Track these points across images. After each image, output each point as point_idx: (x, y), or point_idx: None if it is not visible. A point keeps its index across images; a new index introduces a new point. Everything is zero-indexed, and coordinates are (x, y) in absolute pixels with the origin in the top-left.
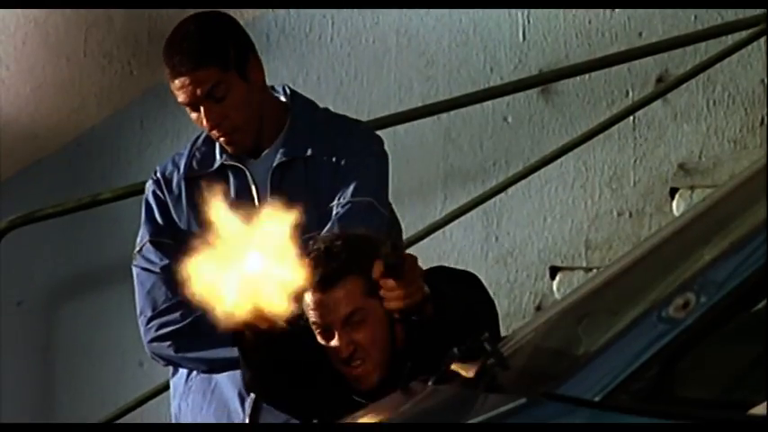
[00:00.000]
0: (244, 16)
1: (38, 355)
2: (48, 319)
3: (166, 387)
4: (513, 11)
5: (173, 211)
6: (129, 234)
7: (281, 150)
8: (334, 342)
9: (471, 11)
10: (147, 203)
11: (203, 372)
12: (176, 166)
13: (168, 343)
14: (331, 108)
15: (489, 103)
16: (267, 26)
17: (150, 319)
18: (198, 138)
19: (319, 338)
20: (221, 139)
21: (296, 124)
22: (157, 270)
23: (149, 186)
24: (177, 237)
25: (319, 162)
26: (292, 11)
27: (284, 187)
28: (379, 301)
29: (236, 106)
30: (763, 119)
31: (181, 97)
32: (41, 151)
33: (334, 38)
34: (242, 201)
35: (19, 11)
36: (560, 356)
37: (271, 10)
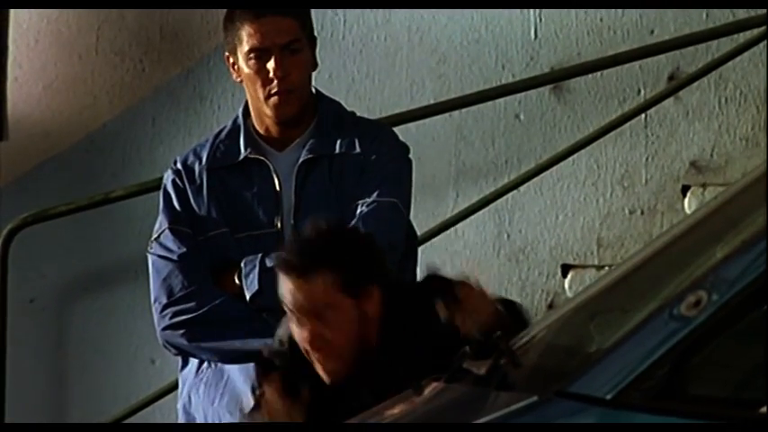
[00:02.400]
0: None
1: (50, 352)
2: (60, 316)
3: (178, 385)
4: (526, 8)
5: (192, 201)
6: (142, 231)
7: (307, 147)
8: (303, 329)
9: (483, 9)
10: (166, 192)
11: (216, 362)
12: (198, 157)
13: (182, 331)
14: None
15: (501, 100)
16: None
17: (165, 307)
18: (221, 131)
19: (290, 323)
20: (275, 97)
21: (322, 122)
22: (175, 258)
23: (168, 176)
24: (195, 226)
25: (345, 161)
26: None
27: (308, 184)
28: (353, 300)
29: (302, 67)
30: None
31: (256, 40)
32: (54, 149)
33: (346, 36)
34: (264, 194)
35: (31, 9)
36: (572, 354)
37: None
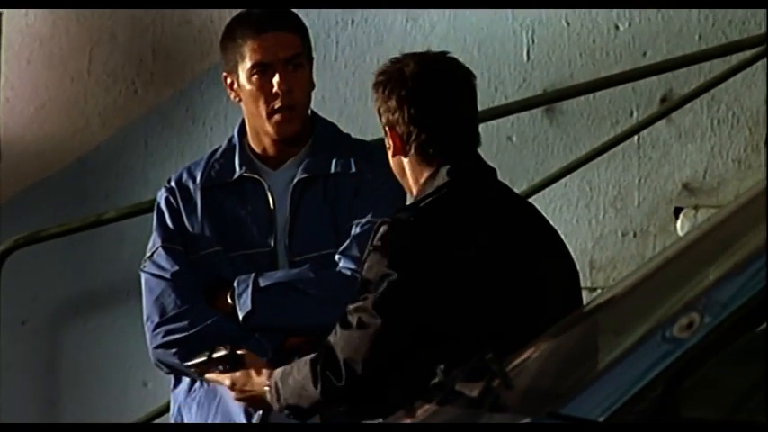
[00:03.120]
0: None
1: (42, 374)
2: (52, 338)
3: (170, 406)
4: (518, 30)
5: (185, 220)
6: (134, 253)
7: (302, 166)
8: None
9: (476, 30)
10: (159, 210)
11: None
12: (192, 175)
13: (174, 350)
14: None
15: (494, 122)
16: None
17: (157, 326)
18: (216, 150)
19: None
20: (278, 114)
21: (318, 141)
22: (168, 276)
23: (162, 194)
24: (188, 244)
25: (340, 181)
26: None
27: (303, 203)
28: None
29: (304, 83)
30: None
31: (260, 54)
32: (46, 170)
33: (339, 57)
34: (258, 213)
35: (24, 30)
36: (564, 376)
37: None
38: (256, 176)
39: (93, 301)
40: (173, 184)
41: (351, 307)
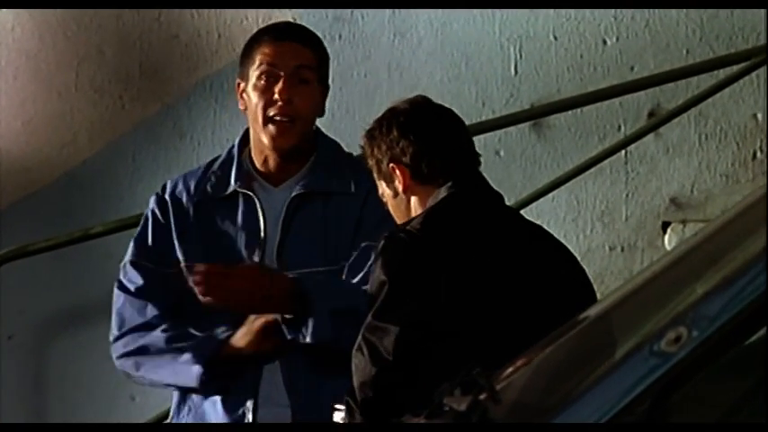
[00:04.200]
0: (236, 50)
1: (29, 389)
2: (39, 353)
3: (158, 421)
4: (506, 45)
5: (173, 233)
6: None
7: (301, 182)
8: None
9: (463, 45)
10: (145, 220)
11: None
12: (187, 187)
13: (131, 361)
14: None
15: (481, 136)
16: None
17: (116, 339)
18: (214, 161)
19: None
20: (274, 125)
21: (319, 159)
22: (132, 290)
23: (152, 203)
24: (166, 258)
25: (339, 201)
26: None
27: (297, 220)
28: None
29: (308, 98)
30: (755, 153)
31: (269, 59)
32: (33, 185)
33: None
34: (248, 229)
35: (10, 44)
36: (552, 390)
37: None
38: (249, 192)
39: (80, 315)
40: (166, 195)
41: (363, 329)
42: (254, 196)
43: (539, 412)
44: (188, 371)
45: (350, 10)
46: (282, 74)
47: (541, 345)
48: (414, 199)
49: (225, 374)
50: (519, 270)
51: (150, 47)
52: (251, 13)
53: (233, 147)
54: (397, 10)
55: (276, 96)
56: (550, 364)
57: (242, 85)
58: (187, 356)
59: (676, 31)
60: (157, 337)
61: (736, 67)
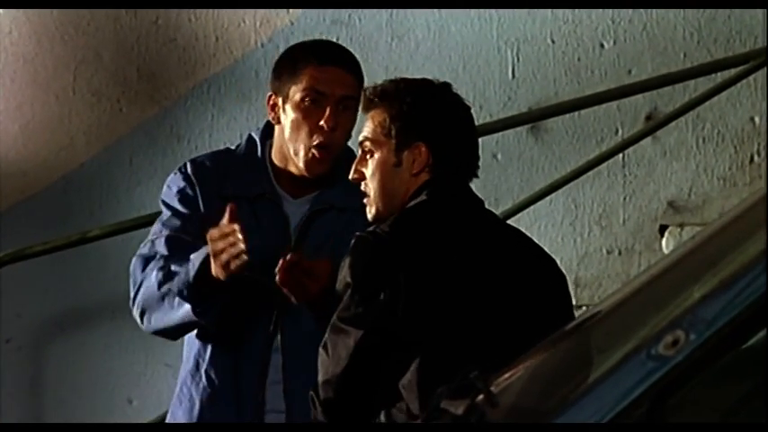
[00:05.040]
0: (233, 53)
1: (27, 392)
2: (37, 356)
3: (156, 424)
4: (503, 48)
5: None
6: (118, 271)
7: (321, 197)
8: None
9: (461, 48)
10: (175, 195)
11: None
12: (213, 174)
13: (144, 318)
14: None
15: (479, 140)
16: (256, 63)
17: (132, 302)
18: (234, 152)
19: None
20: (315, 150)
21: (339, 175)
22: (156, 256)
23: (178, 181)
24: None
25: (351, 214)
26: (281, 48)
27: (309, 236)
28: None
29: (349, 126)
30: (752, 156)
31: (319, 83)
32: (30, 189)
33: None
34: (271, 236)
35: (8, 48)
36: (550, 394)
37: (260, 46)
38: (274, 199)
39: (77, 318)
40: (191, 174)
41: (329, 326)
42: (279, 205)
43: (536, 416)
44: (184, 311)
45: (348, 13)
46: (329, 100)
47: (539, 348)
48: (410, 183)
49: (214, 301)
50: (487, 278)
51: (148, 50)
52: (249, 16)
53: (253, 141)
54: (394, 13)
55: (322, 123)
56: (547, 367)
57: (278, 99)
58: (175, 298)
59: (674, 35)
60: (152, 284)
61: (733, 71)
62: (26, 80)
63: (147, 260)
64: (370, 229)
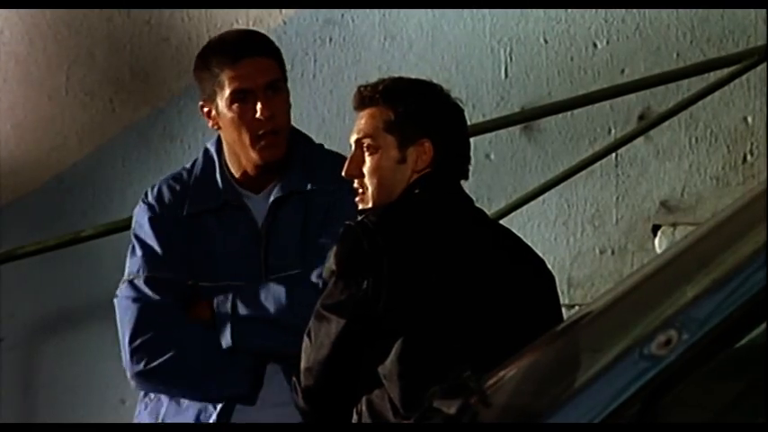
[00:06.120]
0: None
1: (19, 392)
2: (29, 356)
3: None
4: (496, 48)
5: (171, 244)
6: (111, 271)
7: (279, 185)
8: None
9: (453, 48)
10: (146, 229)
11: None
12: (173, 196)
13: (156, 377)
14: None
15: (471, 140)
16: None
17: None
18: (192, 167)
19: None
20: (264, 140)
21: (295, 160)
22: (153, 300)
23: (143, 212)
24: (179, 268)
25: (316, 197)
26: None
27: (277, 223)
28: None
29: (285, 107)
30: (745, 156)
31: (239, 82)
32: (22, 188)
33: (317, 75)
34: (245, 238)
35: (1, 48)
36: (542, 393)
37: None
38: (239, 201)
39: (70, 318)
40: (153, 202)
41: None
42: (246, 204)
43: (529, 415)
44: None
45: (340, 13)
46: (256, 93)
47: (531, 348)
48: (411, 179)
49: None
50: (472, 273)
51: (140, 50)
52: (241, 16)
53: (210, 153)
54: (387, 13)
55: (258, 116)
56: (540, 367)
57: (208, 106)
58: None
59: (667, 34)
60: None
61: (726, 70)
62: (18, 80)
63: (142, 307)
64: (359, 218)
